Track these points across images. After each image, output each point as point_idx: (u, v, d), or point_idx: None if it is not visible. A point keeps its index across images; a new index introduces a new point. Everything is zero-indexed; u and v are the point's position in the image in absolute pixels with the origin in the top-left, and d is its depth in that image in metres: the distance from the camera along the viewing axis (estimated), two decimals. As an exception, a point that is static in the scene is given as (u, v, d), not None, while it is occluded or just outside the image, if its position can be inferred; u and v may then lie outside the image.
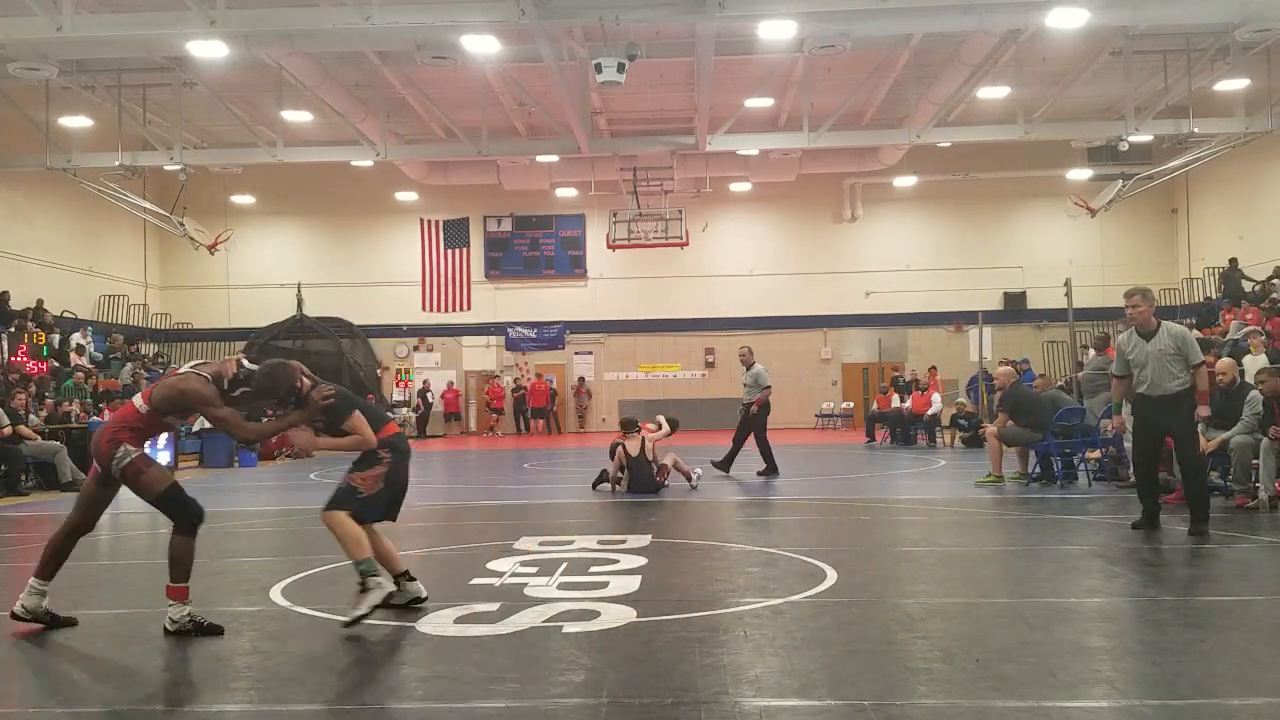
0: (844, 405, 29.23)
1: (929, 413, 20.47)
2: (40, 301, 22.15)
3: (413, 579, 5.66)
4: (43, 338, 20.24)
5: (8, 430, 13.64)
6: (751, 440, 13.97)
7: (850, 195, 29.71)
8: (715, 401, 27.75)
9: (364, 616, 5.12)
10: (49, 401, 16.58)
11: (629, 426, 11.87)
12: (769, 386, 14.02)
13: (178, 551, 5.19)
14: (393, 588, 5.42)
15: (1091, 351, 15.27)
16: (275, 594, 6.08)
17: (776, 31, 16.75)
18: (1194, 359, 7.77)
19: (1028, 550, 7.82)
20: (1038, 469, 11.96)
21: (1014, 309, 28.84)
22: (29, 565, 5.64)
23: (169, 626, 5.07)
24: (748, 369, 14.23)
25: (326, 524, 5.43)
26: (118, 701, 4.23)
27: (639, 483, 11.52)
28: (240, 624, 5.41)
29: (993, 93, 21.54)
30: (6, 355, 18.85)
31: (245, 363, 5.44)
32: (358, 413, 5.46)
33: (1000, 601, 5.82)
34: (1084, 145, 24.84)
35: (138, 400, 5.36)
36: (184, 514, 5.25)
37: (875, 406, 22.27)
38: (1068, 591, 6.07)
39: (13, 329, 20.05)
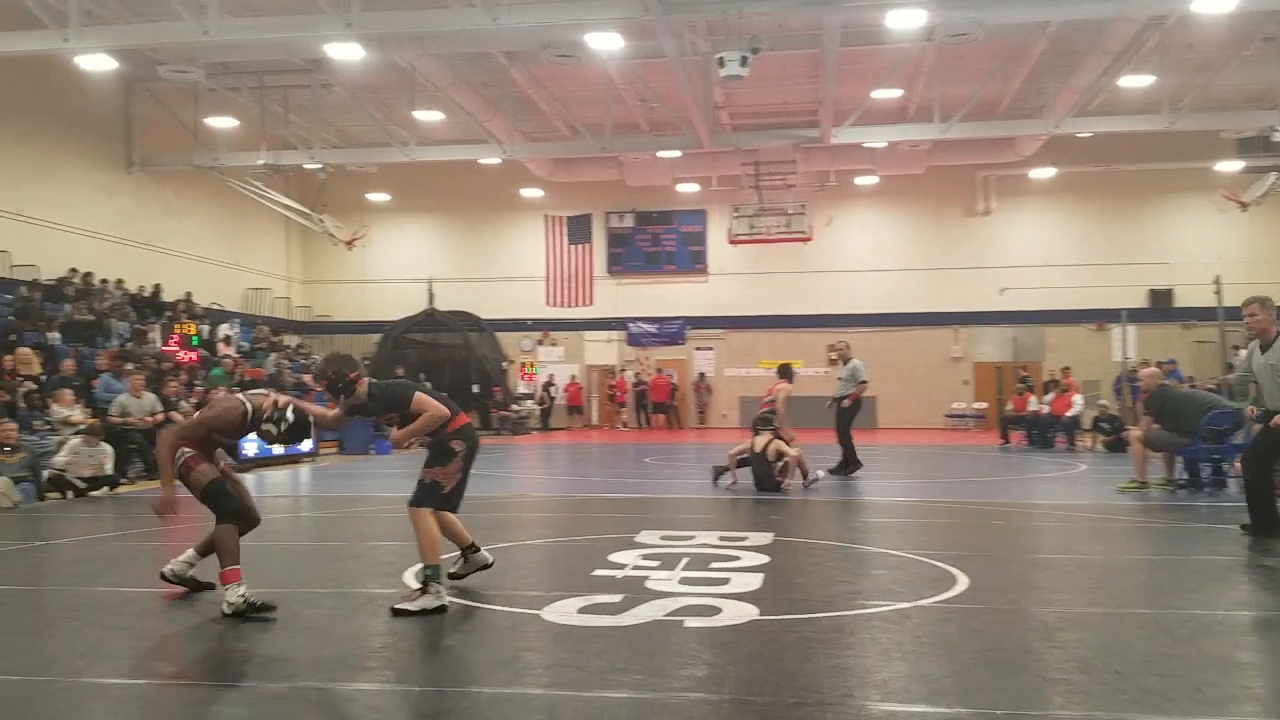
0: (976, 405, 28.38)
1: (1069, 414, 19.70)
2: (189, 294, 23.38)
3: (478, 549, 6.04)
4: (192, 328, 21.32)
5: (160, 417, 14.43)
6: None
7: (983, 188, 28.80)
8: (838, 399, 27.28)
9: (408, 613, 5.30)
10: (198, 389, 17.48)
11: (761, 424, 11.86)
12: (865, 382, 13.59)
13: (221, 539, 5.51)
14: (445, 600, 5.47)
15: (1242, 353, 14.42)
16: (408, 577, 6.25)
17: (905, 20, 16.36)
18: None
19: (1173, 559, 7.43)
20: (1185, 475, 11.36)
21: (1160, 307, 27.45)
22: (174, 544, 5.95)
23: (226, 610, 5.28)
24: (844, 363, 13.85)
25: (412, 519, 5.62)
26: (265, 678, 4.42)
27: (758, 480, 11.46)
28: (375, 606, 5.59)
29: (1136, 81, 20.56)
30: (159, 345, 19.97)
31: (280, 402, 5.78)
32: (419, 393, 5.81)
33: (1142, 612, 5.55)
34: (1234, 136, 23.47)
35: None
36: (222, 507, 5.61)
37: (1010, 407, 21.48)
38: (1215, 604, 5.74)
39: (165, 320, 21.24)
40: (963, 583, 6.08)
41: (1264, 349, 7.42)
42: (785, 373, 13.12)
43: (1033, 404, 20.69)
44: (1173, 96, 20.69)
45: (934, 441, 22.47)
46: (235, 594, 5.31)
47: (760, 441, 11.55)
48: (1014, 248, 28.67)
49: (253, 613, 5.27)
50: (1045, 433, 19.93)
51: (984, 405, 28.08)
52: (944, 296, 28.75)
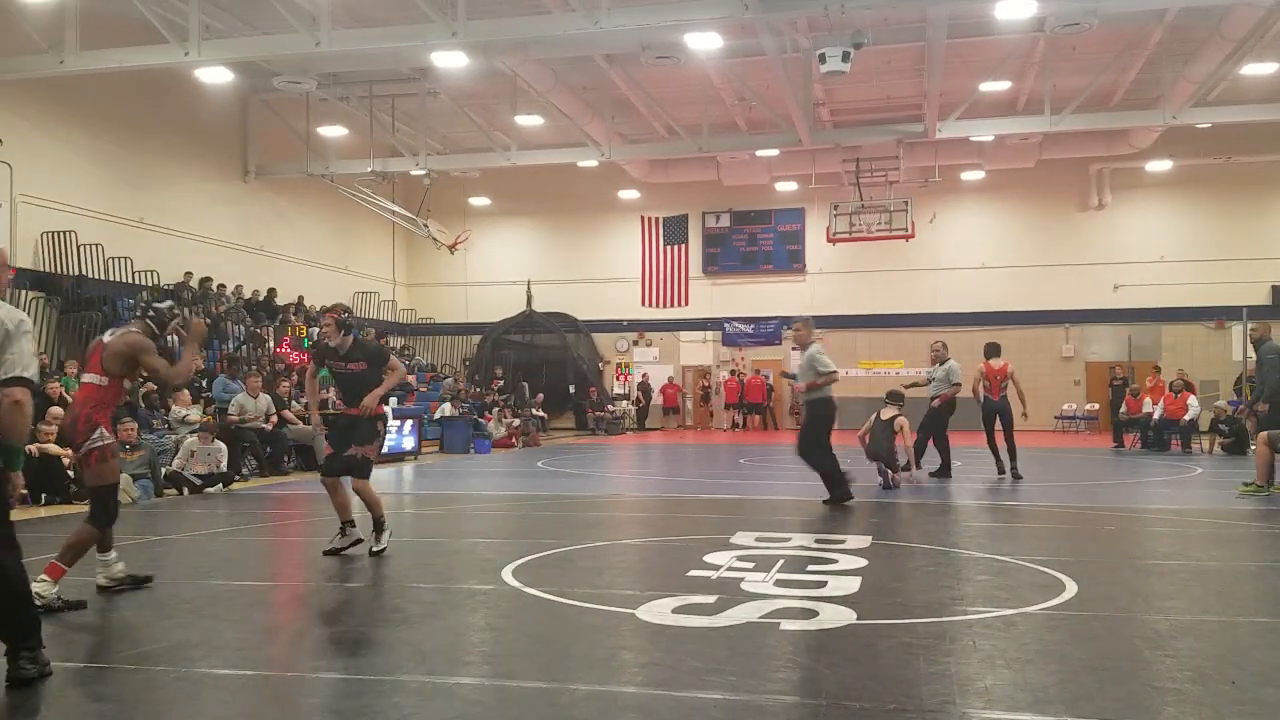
0: (1088, 406, 27.42)
1: (1185, 417, 18.90)
2: (301, 298, 24.20)
3: (354, 524, 7.34)
4: (304, 330, 22.06)
5: (275, 420, 14.97)
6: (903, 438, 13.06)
7: (1097, 181, 27.82)
8: (941, 400, 26.72)
9: (384, 552, 7.24)
10: (309, 389, 18.07)
11: (894, 398, 12.51)
12: (958, 384, 13.15)
13: (82, 537, 5.63)
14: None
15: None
16: (507, 574, 6.35)
17: (1014, 11, 15.94)
18: None
19: (1299, 570, 7.06)
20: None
21: (1283, 303, 26.16)
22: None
23: (37, 601, 5.14)
24: (941, 364, 13.43)
25: (360, 492, 7.31)
26: (368, 670, 4.54)
27: (874, 446, 11.75)
28: (475, 602, 5.70)
29: (1259, 69, 19.63)
30: (272, 346, 20.72)
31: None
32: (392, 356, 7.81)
33: (1261, 621, 5.29)
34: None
35: (91, 377, 5.82)
36: (106, 510, 5.76)
37: (1125, 409, 20.69)
38: (1347, 617, 5.43)
39: (277, 322, 22.03)
40: (1071, 589, 5.88)
41: None
42: (897, 400, 12.65)
43: (1147, 406, 19.92)
44: (1299, 84, 19.71)
45: (1044, 444, 21.78)
46: (51, 590, 5.41)
47: (886, 412, 12.09)
48: (1128, 243, 27.64)
49: (66, 609, 5.42)
50: (1161, 435, 19.18)
51: (1095, 406, 27.12)
52: (1054, 294, 27.87)
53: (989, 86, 20.98)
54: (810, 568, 6.56)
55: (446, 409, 20.90)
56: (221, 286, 21.64)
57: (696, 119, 22.34)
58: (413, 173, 24.56)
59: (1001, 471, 13.21)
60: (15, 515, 4.30)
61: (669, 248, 30.32)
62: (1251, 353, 19.95)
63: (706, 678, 4.20)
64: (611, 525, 9.65)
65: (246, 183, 24.14)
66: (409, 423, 18.26)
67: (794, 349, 14.51)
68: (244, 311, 21.58)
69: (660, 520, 9.77)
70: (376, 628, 5.28)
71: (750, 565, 6.61)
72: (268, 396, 15.24)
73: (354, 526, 7.33)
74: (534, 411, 24.93)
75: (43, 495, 10.93)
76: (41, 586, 5.28)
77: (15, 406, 4.12)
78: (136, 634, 5.16)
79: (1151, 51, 20.18)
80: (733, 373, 29.90)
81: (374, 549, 7.22)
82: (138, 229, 20.19)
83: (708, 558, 6.90)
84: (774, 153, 25.69)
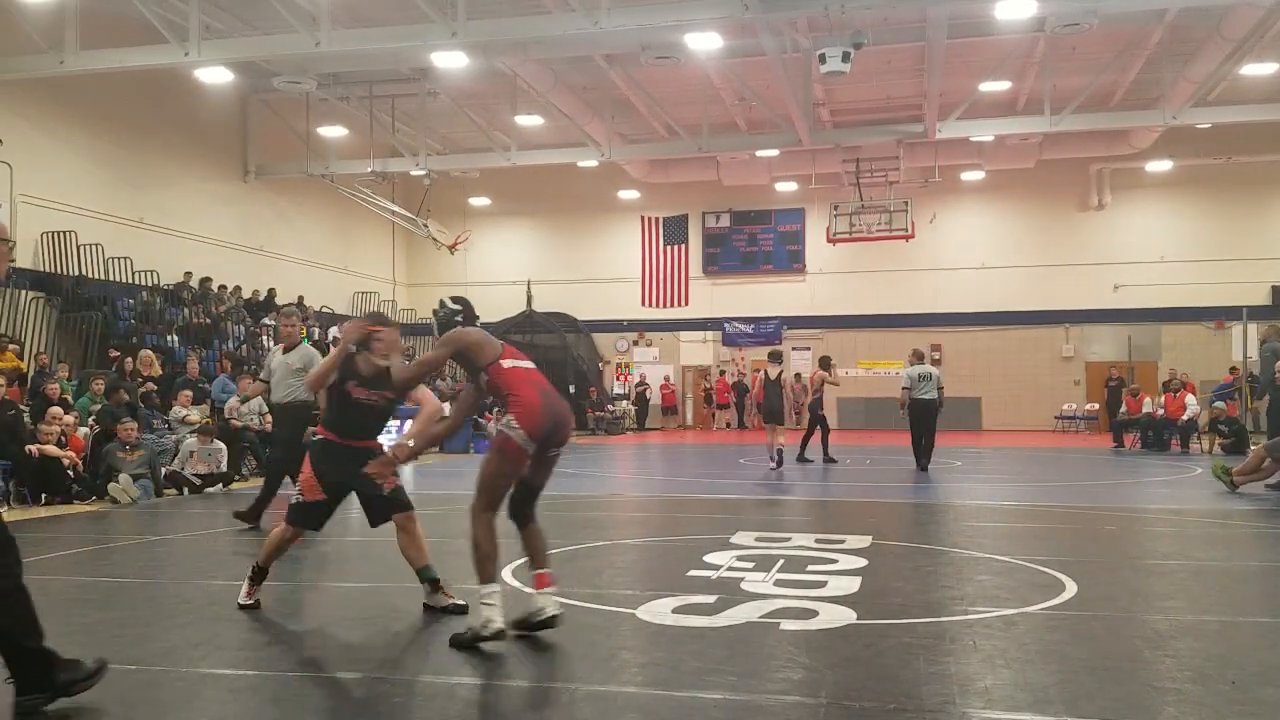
0: (1088, 407, 27.42)
1: (1184, 417, 18.90)
2: (301, 298, 24.20)
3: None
4: (304, 331, 22.05)
5: (270, 418, 14.93)
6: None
7: (1097, 181, 27.83)
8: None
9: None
10: (308, 390, 18.08)
11: (775, 357, 13.72)
12: (906, 388, 14.57)
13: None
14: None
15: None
16: (506, 574, 6.34)
17: (1014, 11, 15.95)
18: None
19: (1299, 570, 7.06)
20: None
21: (1284, 304, 26.18)
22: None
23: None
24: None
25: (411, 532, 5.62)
26: (369, 671, 4.54)
27: (767, 407, 12.24)
28: (475, 602, 5.67)
29: (1259, 69, 19.64)
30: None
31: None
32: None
33: (1261, 621, 5.29)
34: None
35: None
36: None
37: (1125, 409, 20.70)
38: (1348, 617, 5.43)
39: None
40: (1071, 589, 5.88)
41: None
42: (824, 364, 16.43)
43: (1147, 406, 19.94)
44: (1299, 84, 19.72)
45: (1043, 444, 21.79)
46: None
47: (773, 371, 14.16)
48: (1128, 243, 27.66)
49: None
50: (1160, 435, 19.19)
51: (1095, 406, 27.13)
52: (1054, 294, 27.89)
53: (989, 87, 20.99)
54: (810, 567, 6.56)
55: (447, 409, 20.88)
56: (222, 287, 21.64)
57: (696, 119, 22.34)
58: (413, 173, 24.57)
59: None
60: (14, 516, 4.31)
61: (669, 248, 30.33)
62: (1253, 353, 20.05)
63: (706, 678, 4.20)
64: (611, 525, 9.65)
65: (246, 183, 24.14)
66: (408, 423, 18.24)
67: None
68: (244, 311, 21.57)
69: (660, 520, 9.77)
70: (376, 627, 5.27)
71: (750, 565, 6.61)
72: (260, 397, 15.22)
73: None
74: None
75: (43, 495, 10.93)
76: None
77: None
78: (137, 634, 5.16)
79: (1151, 51, 20.19)
80: (723, 373, 29.93)
81: (445, 604, 5.50)
82: (138, 229, 20.19)
83: (708, 557, 6.90)
84: (774, 153, 25.70)
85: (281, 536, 5.53)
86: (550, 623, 4.81)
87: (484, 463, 4.92)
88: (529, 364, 5.05)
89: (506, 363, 4.96)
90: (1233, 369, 20.66)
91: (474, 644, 4.61)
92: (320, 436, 5.58)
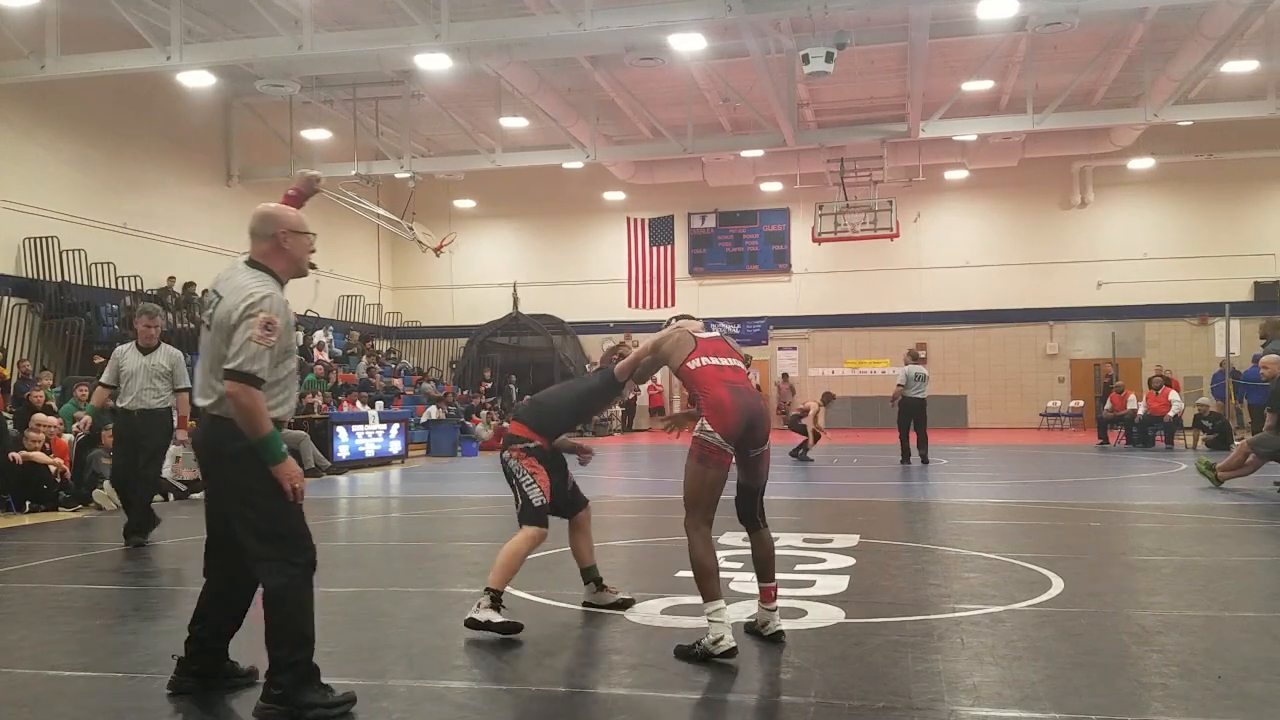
0: (1073, 404, 27.56)
1: (1169, 414, 19.03)
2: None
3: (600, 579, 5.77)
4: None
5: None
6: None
7: (1080, 179, 27.98)
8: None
9: None
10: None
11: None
12: (900, 385, 15.30)
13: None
14: None
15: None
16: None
17: (996, 10, 16.02)
18: None
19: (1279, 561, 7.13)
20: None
21: (1266, 299, 26.32)
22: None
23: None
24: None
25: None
26: (357, 675, 4.53)
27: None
28: (464, 605, 5.67)
29: (1239, 67, 19.76)
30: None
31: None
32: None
33: (1246, 615, 5.33)
34: (1345, 121, 22.38)
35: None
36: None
37: (1109, 406, 20.81)
38: (1331, 610, 5.48)
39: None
40: (1057, 586, 5.92)
41: None
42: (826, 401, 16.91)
43: (1131, 403, 20.06)
44: (1279, 82, 19.82)
45: (1028, 441, 21.90)
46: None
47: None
48: (1111, 241, 27.81)
49: None
50: (1145, 432, 19.31)
51: (1080, 404, 27.28)
52: (1038, 292, 28.02)
53: (971, 86, 21.08)
54: (798, 567, 6.57)
55: (433, 412, 20.85)
56: (205, 291, 21.53)
57: (681, 120, 22.36)
58: (397, 176, 24.49)
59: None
60: (-1, 523, 4.27)
61: (655, 249, 30.32)
62: (1235, 349, 20.20)
63: (695, 678, 4.21)
64: (599, 526, 9.60)
65: (230, 187, 24.02)
66: (395, 426, 18.22)
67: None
68: (229, 316, 21.46)
69: (648, 521, 9.77)
70: (365, 632, 5.26)
71: (739, 565, 6.61)
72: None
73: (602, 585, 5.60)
74: (521, 414, 24.87)
75: (27, 503, 10.85)
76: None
77: None
78: (122, 641, 5.13)
79: (1132, 50, 20.31)
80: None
81: (612, 600, 5.59)
82: (120, 234, 20.07)
83: (696, 558, 6.89)
84: (759, 153, 25.74)
85: (533, 543, 5.20)
86: (776, 638, 4.72)
87: (687, 476, 4.74)
88: (722, 360, 4.87)
89: (693, 363, 4.83)
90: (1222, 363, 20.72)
91: (704, 660, 4.44)
92: (534, 442, 5.61)
